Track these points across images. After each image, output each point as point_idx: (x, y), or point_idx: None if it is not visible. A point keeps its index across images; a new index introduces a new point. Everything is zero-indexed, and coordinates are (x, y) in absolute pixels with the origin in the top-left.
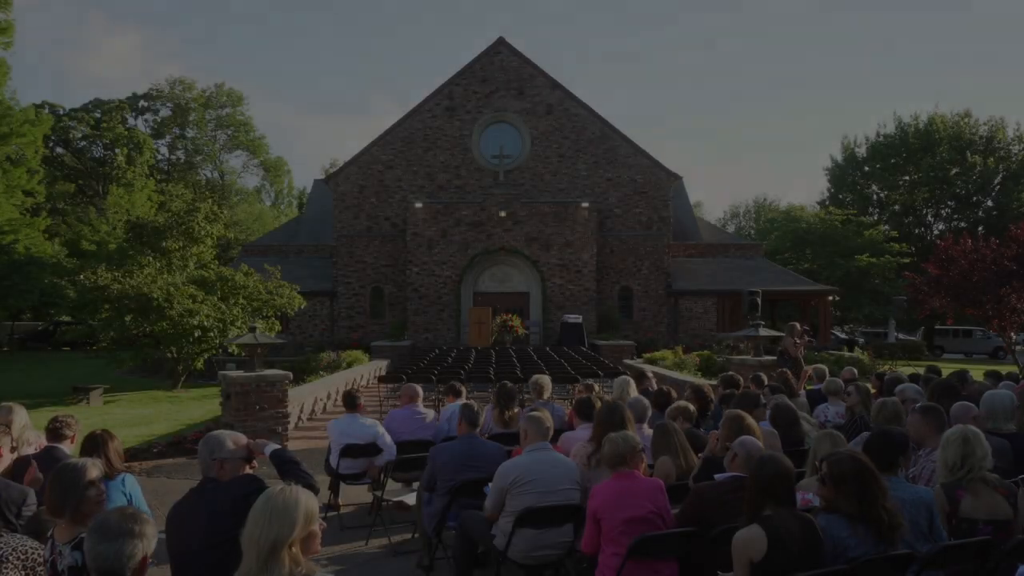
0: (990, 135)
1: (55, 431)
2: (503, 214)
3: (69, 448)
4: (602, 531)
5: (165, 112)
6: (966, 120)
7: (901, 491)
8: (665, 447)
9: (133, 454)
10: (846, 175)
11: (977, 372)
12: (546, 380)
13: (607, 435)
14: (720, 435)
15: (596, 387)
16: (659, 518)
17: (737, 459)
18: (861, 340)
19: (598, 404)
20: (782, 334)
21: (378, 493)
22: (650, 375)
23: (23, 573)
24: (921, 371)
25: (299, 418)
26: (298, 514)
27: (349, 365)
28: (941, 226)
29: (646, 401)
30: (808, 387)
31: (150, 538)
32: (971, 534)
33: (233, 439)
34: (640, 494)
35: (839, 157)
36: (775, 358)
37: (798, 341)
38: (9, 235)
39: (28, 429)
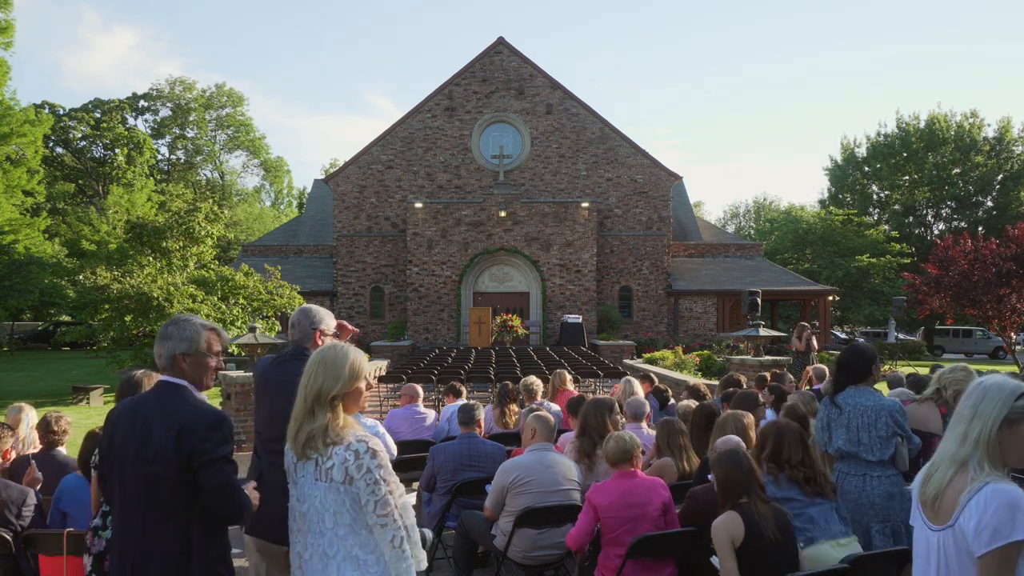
0: (999, 135)
1: (45, 433)
2: (503, 214)
3: (63, 448)
4: (604, 530)
5: (165, 112)
6: (972, 120)
7: (863, 398)
8: (667, 445)
9: None
10: (846, 175)
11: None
12: (538, 382)
13: (611, 433)
14: (713, 436)
15: (566, 375)
16: (662, 517)
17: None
18: (861, 340)
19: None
20: (782, 334)
21: None
22: (652, 376)
23: None
24: (917, 371)
25: None
26: (344, 369)
27: None
28: (941, 226)
29: (645, 400)
30: (808, 388)
31: (178, 340)
32: None
33: (330, 316)
34: (645, 492)
35: (839, 157)
36: (788, 359)
37: (803, 336)
38: (9, 235)
39: (36, 430)
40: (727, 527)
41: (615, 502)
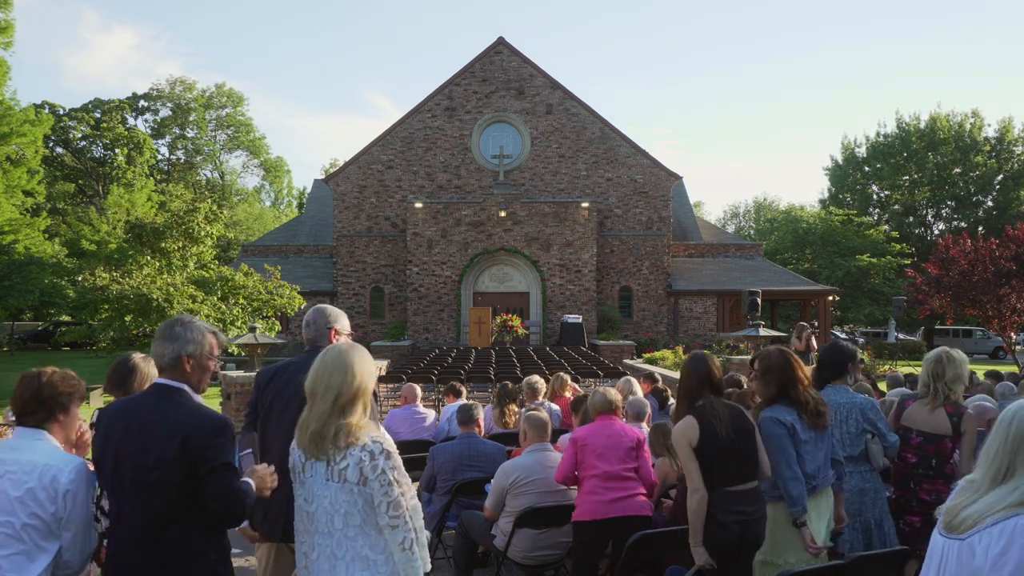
0: (999, 135)
1: None
2: (503, 214)
3: None
4: (581, 463)
5: (165, 112)
6: (973, 120)
7: (839, 395)
8: (662, 447)
9: None
10: (846, 175)
11: (977, 372)
12: (540, 381)
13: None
14: None
15: (567, 381)
16: (634, 451)
17: None
18: (861, 340)
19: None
20: (782, 334)
21: None
22: (657, 375)
23: None
24: (915, 371)
25: None
26: (366, 367)
27: None
28: (941, 226)
29: (646, 400)
30: None
31: (185, 341)
32: (905, 441)
33: (343, 315)
34: (621, 429)
35: (839, 157)
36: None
37: (802, 336)
38: (9, 235)
39: None
40: (684, 433)
41: (593, 432)
